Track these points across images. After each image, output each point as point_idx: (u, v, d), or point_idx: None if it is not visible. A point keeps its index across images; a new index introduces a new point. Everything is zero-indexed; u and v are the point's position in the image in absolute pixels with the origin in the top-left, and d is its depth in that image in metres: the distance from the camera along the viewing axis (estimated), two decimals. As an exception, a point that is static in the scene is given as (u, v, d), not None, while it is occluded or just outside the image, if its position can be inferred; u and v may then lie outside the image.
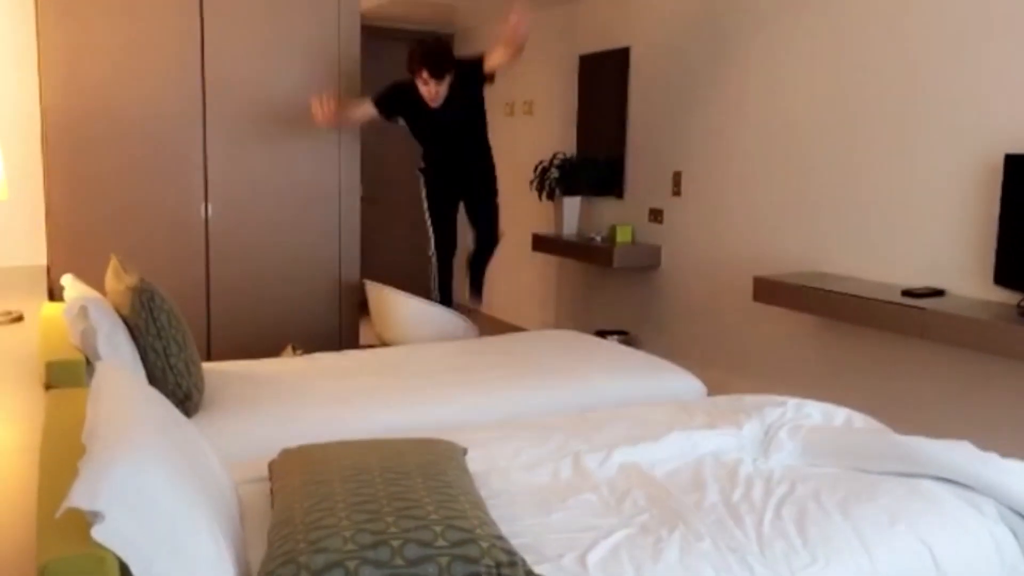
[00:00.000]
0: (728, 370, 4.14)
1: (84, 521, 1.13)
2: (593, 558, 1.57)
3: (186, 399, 2.32)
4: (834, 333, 3.59)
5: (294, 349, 3.68)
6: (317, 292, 4.08)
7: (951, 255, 3.10)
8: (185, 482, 1.35)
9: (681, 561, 1.59)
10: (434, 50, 3.80)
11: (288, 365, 2.97)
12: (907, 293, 3.02)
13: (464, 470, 1.77)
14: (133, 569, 1.13)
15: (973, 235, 3.03)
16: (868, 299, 3.02)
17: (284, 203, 4.00)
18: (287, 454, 1.82)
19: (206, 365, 2.79)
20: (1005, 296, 2.91)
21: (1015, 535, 1.80)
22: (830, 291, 3.17)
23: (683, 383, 2.92)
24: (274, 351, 3.71)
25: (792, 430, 2.20)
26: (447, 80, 3.80)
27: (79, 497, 1.13)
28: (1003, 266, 2.85)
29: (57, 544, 1.12)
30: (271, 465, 1.82)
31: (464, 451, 1.91)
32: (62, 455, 1.44)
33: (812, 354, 3.70)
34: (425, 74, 3.76)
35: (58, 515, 1.13)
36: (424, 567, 1.35)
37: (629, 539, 1.66)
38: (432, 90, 3.81)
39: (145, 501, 1.20)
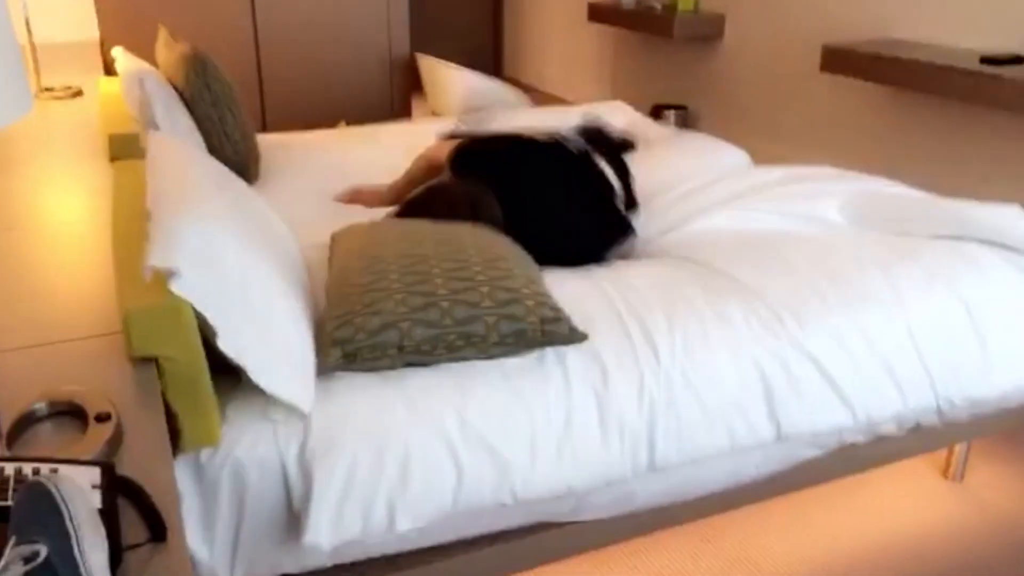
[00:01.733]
0: (793, 144, 4.03)
1: (159, 276, 1.20)
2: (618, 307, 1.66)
3: (244, 169, 2.37)
4: (906, 103, 3.43)
5: (348, 124, 3.69)
6: (368, 65, 4.02)
7: (1041, 17, 2.87)
8: (250, 238, 1.41)
9: (709, 305, 1.67)
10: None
11: (343, 135, 2.98)
12: (986, 60, 2.83)
13: (517, 247, 1.79)
14: (211, 318, 1.21)
15: (1069, -6, 2.78)
16: (944, 67, 2.85)
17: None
18: (351, 227, 1.86)
19: (261, 137, 2.83)
20: (1094, 62, 2.72)
21: None
22: (903, 58, 2.99)
23: (731, 159, 2.87)
24: (328, 125, 3.73)
25: (840, 200, 2.15)
26: None
27: (156, 258, 1.19)
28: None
29: (136, 297, 1.20)
30: (333, 236, 1.88)
31: None
32: (132, 219, 1.52)
33: (882, 126, 3.57)
34: None
35: (146, 278, 1.20)
36: (472, 326, 1.42)
37: (661, 286, 1.73)
38: None
39: (216, 255, 1.26)
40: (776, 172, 2.38)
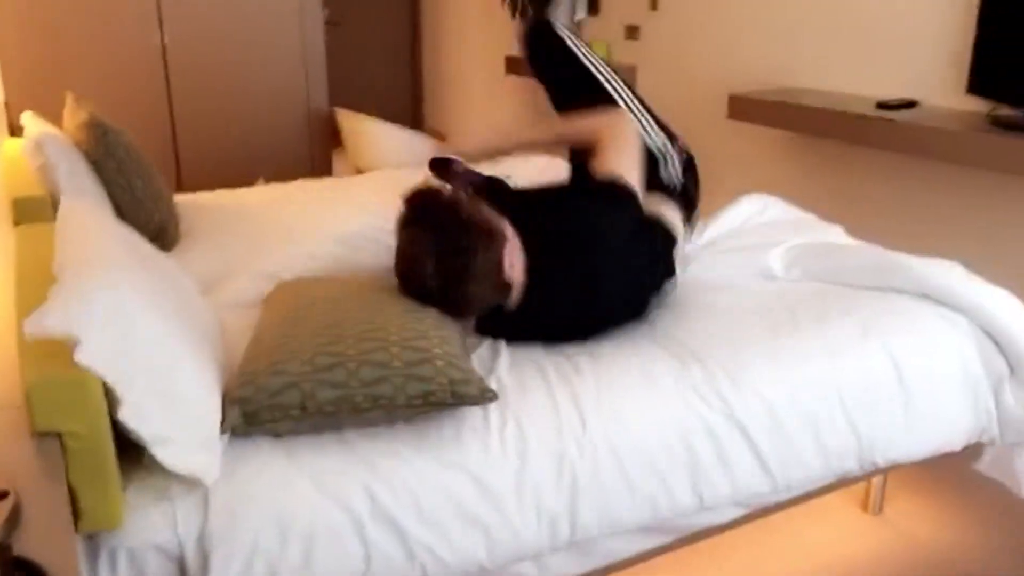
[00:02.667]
0: (704, 190, 4.16)
1: (64, 348, 1.16)
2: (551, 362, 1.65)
3: (161, 233, 2.32)
4: (809, 148, 3.58)
5: (266, 181, 3.65)
6: (286, 121, 4.01)
7: (925, 65, 3.05)
8: (160, 307, 1.38)
9: (642, 367, 1.65)
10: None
11: (265, 193, 2.95)
12: (881, 105, 2.99)
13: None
14: (116, 389, 1.17)
15: (949, 44, 2.96)
16: (842, 112, 3.00)
17: (242, 27, 3.84)
18: (282, 287, 1.83)
19: (180, 197, 2.78)
20: (978, 105, 2.89)
21: (981, 354, 1.85)
22: (804, 106, 3.14)
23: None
24: (246, 183, 3.69)
25: (782, 249, 2.17)
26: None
27: (54, 322, 1.14)
28: (977, 75, 2.81)
29: (40, 370, 1.15)
30: (265, 299, 1.83)
31: None
32: (37, 287, 1.46)
33: (787, 170, 3.71)
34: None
35: (29, 338, 1.14)
36: (379, 387, 1.38)
37: (594, 347, 1.72)
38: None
39: (121, 323, 1.22)
40: (730, 222, 2.38)
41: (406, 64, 6.62)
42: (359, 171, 4.10)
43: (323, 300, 1.64)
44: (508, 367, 1.65)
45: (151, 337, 1.28)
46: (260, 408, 1.36)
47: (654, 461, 1.53)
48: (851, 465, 1.74)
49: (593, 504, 1.49)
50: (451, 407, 1.43)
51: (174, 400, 1.27)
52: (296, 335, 1.48)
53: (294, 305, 1.64)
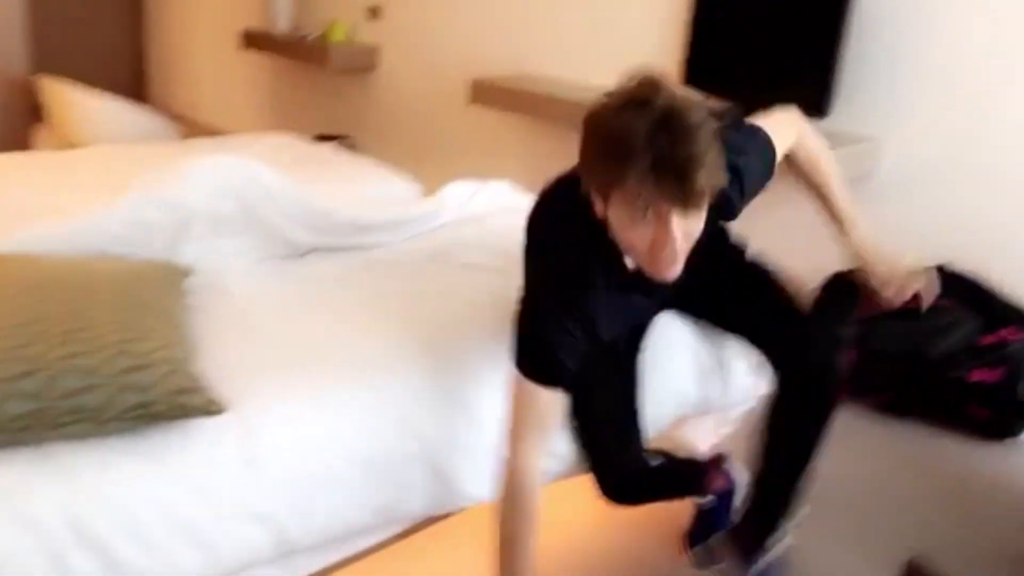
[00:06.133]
0: (444, 172, 4.19)
1: None
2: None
3: None
4: (544, 134, 3.71)
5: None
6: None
7: (645, 57, 3.27)
8: None
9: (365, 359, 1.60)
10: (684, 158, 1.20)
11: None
12: (608, 94, 3.16)
13: (176, 292, 1.61)
14: None
15: (665, 38, 3.19)
16: (571, 100, 3.13)
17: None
18: None
19: None
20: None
21: (704, 344, 1.88)
22: (538, 93, 3.25)
23: (399, 188, 2.93)
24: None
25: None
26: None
27: None
28: (692, 68, 3.05)
29: None
30: None
31: (186, 272, 1.75)
32: None
33: (524, 153, 3.83)
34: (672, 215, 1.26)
35: None
36: (84, 397, 1.22)
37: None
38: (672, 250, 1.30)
39: None
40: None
41: (127, 31, 6.04)
42: (71, 146, 3.68)
43: (18, 285, 1.42)
44: (244, 353, 1.52)
45: None
46: None
47: (389, 464, 1.48)
48: None
49: (326, 509, 1.41)
50: (173, 420, 1.29)
51: None
52: (-15, 334, 1.26)
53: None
